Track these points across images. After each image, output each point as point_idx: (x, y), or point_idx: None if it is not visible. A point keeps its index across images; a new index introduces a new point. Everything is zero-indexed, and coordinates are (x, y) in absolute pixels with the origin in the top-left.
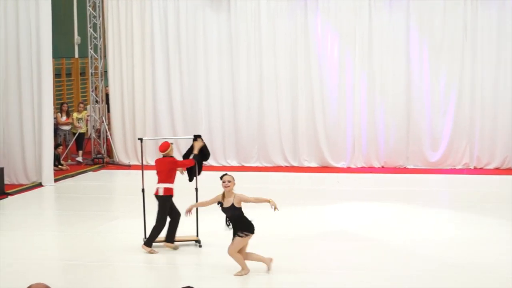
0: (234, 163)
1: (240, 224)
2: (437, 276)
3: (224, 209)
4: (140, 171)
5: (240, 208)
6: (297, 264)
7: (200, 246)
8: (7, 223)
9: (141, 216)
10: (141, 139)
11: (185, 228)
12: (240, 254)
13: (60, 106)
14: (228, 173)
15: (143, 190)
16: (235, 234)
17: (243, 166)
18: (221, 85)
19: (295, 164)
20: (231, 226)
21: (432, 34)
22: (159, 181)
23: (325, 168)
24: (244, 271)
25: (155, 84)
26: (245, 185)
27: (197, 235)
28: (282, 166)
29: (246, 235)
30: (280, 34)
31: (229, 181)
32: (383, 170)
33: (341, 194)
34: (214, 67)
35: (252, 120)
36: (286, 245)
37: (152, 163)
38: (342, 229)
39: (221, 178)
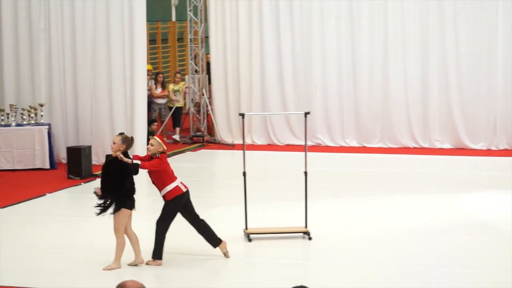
0: (354, 144)
1: None
2: None
3: None
4: (246, 152)
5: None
6: (426, 260)
7: (309, 238)
8: (92, 208)
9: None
10: (242, 115)
11: (292, 218)
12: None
13: (155, 76)
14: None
15: (244, 174)
16: None
17: (364, 147)
18: (339, 52)
19: (425, 145)
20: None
21: None
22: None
23: (461, 150)
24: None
25: (263, 51)
26: (366, 169)
27: (306, 226)
28: (409, 148)
29: None
30: None
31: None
32: None
33: (479, 181)
34: (331, 31)
35: (375, 94)
36: (414, 240)
37: (259, 142)
38: (480, 221)
39: None
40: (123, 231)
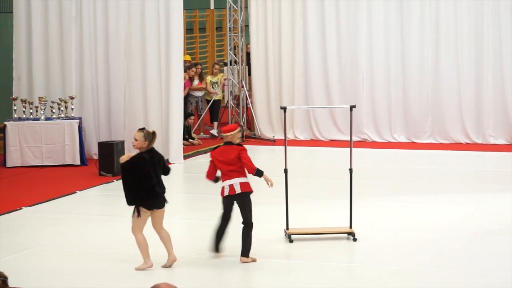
0: (402, 139)
1: None
2: None
3: None
4: (287, 148)
5: None
6: (483, 264)
7: (354, 240)
8: (126, 207)
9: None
10: (284, 108)
11: (336, 218)
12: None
13: (193, 67)
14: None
15: (286, 171)
16: None
17: (413, 143)
18: (387, 41)
19: (479, 141)
20: None
21: None
22: (230, 176)
23: None
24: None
25: (306, 40)
26: (415, 166)
27: (351, 227)
28: (461, 143)
29: None
30: None
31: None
32: None
33: None
34: (379, 19)
35: (425, 86)
36: (468, 242)
37: (302, 137)
38: None
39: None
40: (138, 230)
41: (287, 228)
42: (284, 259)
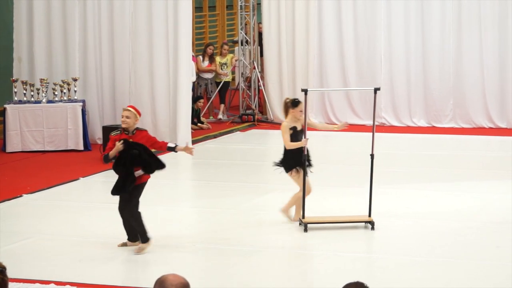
0: (422, 123)
1: None
2: None
3: (299, 133)
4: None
5: None
6: (508, 254)
7: (372, 228)
8: None
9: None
10: (305, 91)
11: (353, 207)
12: None
13: (205, 48)
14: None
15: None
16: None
17: (433, 127)
18: (406, 20)
19: (503, 126)
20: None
21: None
22: None
23: None
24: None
25: (321, 19)
26: (435, 152)
27: (370, 215)
28: (485, 128)
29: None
30: None
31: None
32: None
33: None
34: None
35: (447, 68)
36: (492, 231)
37: (316, 121)
38: None
39: (297, 104)
40: None
41: (303, 217)
42: (298, 249)
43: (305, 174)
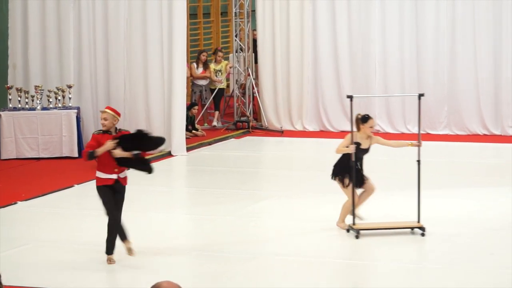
0: (416, 130)
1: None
2: None
3: (359, 150)
4: (293, 139)
5: None
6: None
7: (422, 234)
8: (127, 200)
9: (295, 197)
10: (351, 97)
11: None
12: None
13: (198, 54)
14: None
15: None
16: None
17: (428, 134)
18: (401, 29)
19: (497, 133)
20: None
21: None
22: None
23: None
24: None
25: (315, 26)
26: (429, 159)
27: (419, 221)
28: (479, 135)
29: None
30: None
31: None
32: None
33: None
34: (393, 5)
35: (441, 74)
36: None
37: (311, 128)
38: None
39: (367, 120)
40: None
41: (354, 223)
42: (296, 256)
43: (353, 182)
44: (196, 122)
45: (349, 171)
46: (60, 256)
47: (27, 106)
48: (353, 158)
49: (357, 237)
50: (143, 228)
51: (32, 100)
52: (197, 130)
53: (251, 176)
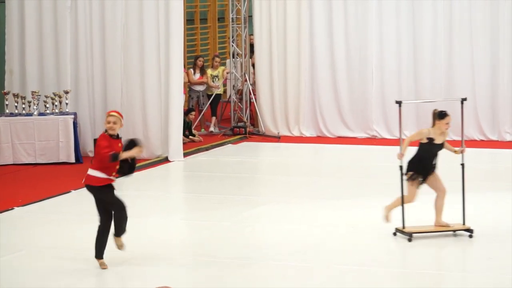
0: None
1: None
2: None
3: (434, 146)
4: (290, 144)
5: None
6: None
7: (470, 236)
8: None
9: (292, 202)
10: (399, 103)
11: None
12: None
13: (195, 60)
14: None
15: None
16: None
17: None
18: (398, 33)
19: (494, 138)
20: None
21: None
22: None
23: None
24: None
25: (312, 32)
26: None
27: (464, 223)
28: (476, 140)
29: None
30: None
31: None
32: None
33: None
34: (390, 10)
35: (438, 80)
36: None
37: (308, 134)
38: None
39: (444, 116)
40: None
41: (403, 227)
42: (294, 261)
43: (402, 184)
44: (193, 127)
45: (422, 169)
46: (57, 262)
47: (24, 111)
48: (402, 161)
49: (409, 240)
50: (139, 234)
51: (29, 106)
52: (194, 135)
53: (248, 181)
